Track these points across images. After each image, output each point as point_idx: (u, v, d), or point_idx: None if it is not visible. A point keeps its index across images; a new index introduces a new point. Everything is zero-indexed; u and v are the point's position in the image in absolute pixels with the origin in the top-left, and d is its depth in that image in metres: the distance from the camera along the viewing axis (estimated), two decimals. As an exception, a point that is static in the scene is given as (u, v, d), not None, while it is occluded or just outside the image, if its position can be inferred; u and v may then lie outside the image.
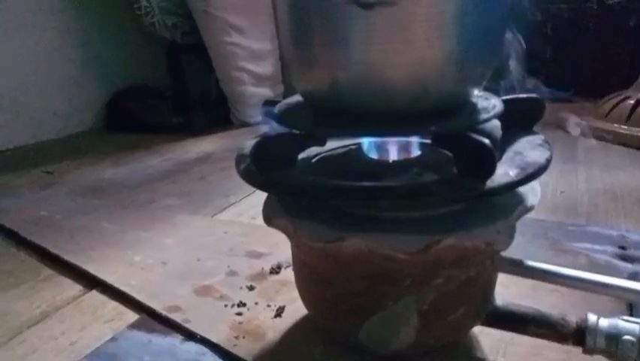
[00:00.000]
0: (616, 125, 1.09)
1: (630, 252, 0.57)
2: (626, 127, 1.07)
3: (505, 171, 0.31)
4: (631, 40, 1.34)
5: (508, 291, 0.44)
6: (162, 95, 1.38)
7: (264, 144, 0.33)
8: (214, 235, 0.65)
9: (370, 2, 0.29)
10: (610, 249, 0.58)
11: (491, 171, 0.29)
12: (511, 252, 0.36)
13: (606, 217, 0.68)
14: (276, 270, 0.54)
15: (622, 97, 1.12)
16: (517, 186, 0.31)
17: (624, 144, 1.04)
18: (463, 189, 0.30)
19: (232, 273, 0.54)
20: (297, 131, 0.35)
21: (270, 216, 0.37)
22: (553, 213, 0.68)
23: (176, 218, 0.71)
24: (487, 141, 0.29)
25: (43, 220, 0.72)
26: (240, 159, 0.37)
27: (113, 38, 1.42)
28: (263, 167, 0.33)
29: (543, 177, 0.33)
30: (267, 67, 1.37)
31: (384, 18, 0.30)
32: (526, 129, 0.40)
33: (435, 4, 0.30)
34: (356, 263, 0.34)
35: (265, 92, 1.37)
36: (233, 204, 0.77)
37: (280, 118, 0.37)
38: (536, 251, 0.57)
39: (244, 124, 1.34)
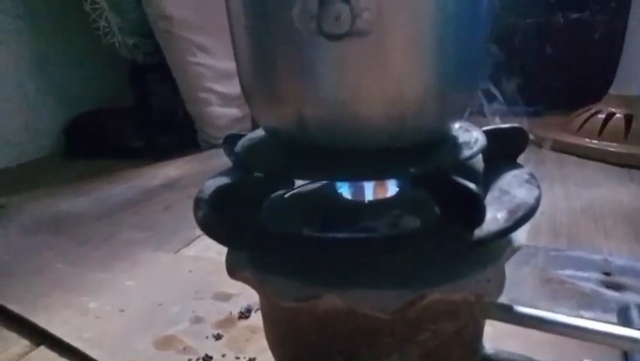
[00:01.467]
0: (587, 139, 1.09)
1: (615, 278, 0.55)
2: (597, 142, 1.07)
3: (493, 216, 0.28)
4: (599, 53, 1.35)
5: (499, 327, 0.41)
6: (126, 118, 1.32)
7: (226, 191, 0.30)
8: (179, 274, 0.60)
9: (338, 33, 0.26)
10: (595, 275, 0.56)
11: (480, 220, 0.26)
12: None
13: (588, 239, 0.66)
14: (245, 314, 0.50)
15: (593, 111, 1.12)
16: (508, 234, 0.28)
17: (596, 159, 1.03)
18: (450, 241, 0.26)
19: (197, 320, 0.49)
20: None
21: (234, 268, 0.33)
22: (535, 237, 0.66)
23: (139, 255, 0.66)
24: (474, 186, 0.26)
25: (-10, 263, 0.66)
26: (198, 204, 0.33)
27: (72, 60, 1.36)
28: (225, 218, 0.29)
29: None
30: (234, 87, 1.33)
31: (356, 50, 0.27)
32: (510, 161, 0.38)
33: (411, 33, 0.27)
34: (332, 321, 0.30)
35: (233, 112, 1.33)
36: (199, 236, 0.72)
37: (244, 159, 0.33)
38: (522, 282, 0.55)
39: (212, 146, 1.30)
